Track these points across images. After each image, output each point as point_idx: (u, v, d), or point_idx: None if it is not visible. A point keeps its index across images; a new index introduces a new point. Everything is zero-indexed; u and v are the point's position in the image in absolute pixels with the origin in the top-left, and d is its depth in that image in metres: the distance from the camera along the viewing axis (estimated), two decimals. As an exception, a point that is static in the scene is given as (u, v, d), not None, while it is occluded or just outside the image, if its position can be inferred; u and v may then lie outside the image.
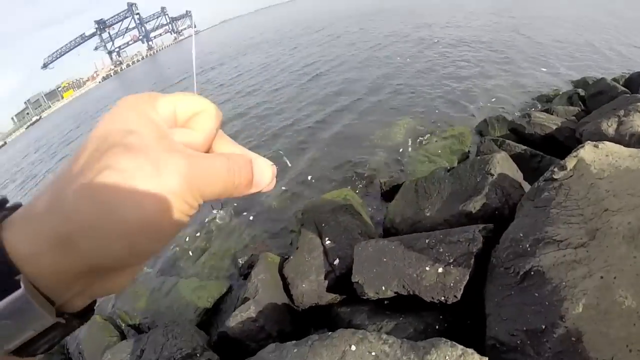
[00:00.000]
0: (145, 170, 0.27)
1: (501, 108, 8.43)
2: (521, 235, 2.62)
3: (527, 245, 2.46)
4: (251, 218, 6.15)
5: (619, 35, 16.12)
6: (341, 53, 18.03)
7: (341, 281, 3.61)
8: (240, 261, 5.09)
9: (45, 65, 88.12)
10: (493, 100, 9.03)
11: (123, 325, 4.50)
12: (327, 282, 3.66)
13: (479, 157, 4.44)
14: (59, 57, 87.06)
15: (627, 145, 3.22)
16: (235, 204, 6.56)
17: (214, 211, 6.44)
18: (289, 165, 7.43)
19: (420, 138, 7.40)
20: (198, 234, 6.14)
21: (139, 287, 4.99)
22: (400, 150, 7.14)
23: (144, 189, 0.26)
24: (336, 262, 3.73)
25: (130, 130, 0.28)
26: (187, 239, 6.07)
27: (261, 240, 5.55)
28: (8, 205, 0.28)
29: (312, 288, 3.65)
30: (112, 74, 72.05)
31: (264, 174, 0.36)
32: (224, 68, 23.43)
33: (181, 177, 0.28)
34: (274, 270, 4.01)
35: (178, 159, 0.29)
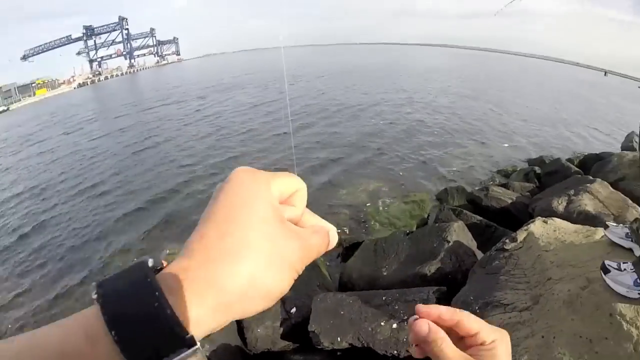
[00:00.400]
0: (280, 254, 0.36)
1: (462, 179, 8.93)
2: (471, 298, 2.78)
3: (477, 308, 2.62)
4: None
5: (582, 118, 17.89)
6: (323, 108, 18.40)
7: (296, 329, 3.60)
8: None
9: (25, 57, 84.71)
10: (455, 170, 9.58)
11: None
12: (282, 329, 3.64)
13: (437, 224, 4.73)
14: (41, 52, 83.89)
15: (574, 222, 3.52)
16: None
17: (170, 246, 6.34)
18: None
19: (383, 200, 7.65)
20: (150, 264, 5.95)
21: (84, 305, 4.73)
22: (364, 209, 7.33)
23: (281, 268, 0.36)
24: (293, 310, 3.75)
25: (263, 219, 0.36)
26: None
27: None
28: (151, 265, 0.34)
29: (266, 333, 3.61)
30: (88, 83, 69.73)
31: (333, 242, 0.44)
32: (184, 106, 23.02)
33: (300, 259, 0.38)
34: (229, 311, 3.95)
35: (297, 243, 0.38)
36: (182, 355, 0.29)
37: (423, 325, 0.49)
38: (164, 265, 0.35)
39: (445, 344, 0.48)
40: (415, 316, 0.51)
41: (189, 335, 0.30)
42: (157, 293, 0.30)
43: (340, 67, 44.82)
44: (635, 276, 2.19)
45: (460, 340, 0.51)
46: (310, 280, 4.13)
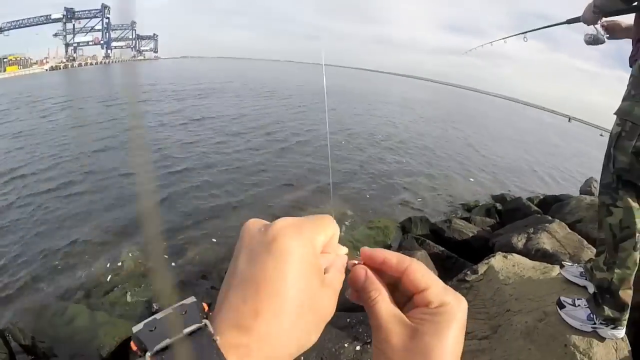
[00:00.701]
0: (323, 317, 0.38)
1: (426, 209, 9.13)
2: (433, 326, 2.88)
3: (439, 335, 2.71)
4: (172, 264, 5.89)
5: (544, 160, 18.97)
6: (299, 129, 17.72)
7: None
8: (155, 306, 4.77)
9: (1, 30, 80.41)
10: (420, 200, 9.80)
11: (14, 342, 3.93)
12: (247, 347, 3.62)
13: (400, 252, 4.80)
14: (19, 27, 79.84)
15: (532, 258, 3.72)
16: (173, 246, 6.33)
17: (133, 248, 6.16)
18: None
19: (348, 223, 7.66)
20: (119, 264, 5.74)
21: (39, 306, 4.50)
22: None
23: (322, 327, 0.39)
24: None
25: (311, 288, 0.37)
26: (102, 267, 5.65)
27: (180, 289, 5.33)
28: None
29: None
30: (61, 67, 66.67)
31: (346, 265, 0.45)
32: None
33: (333, 310, 0.40)
34: (189, 324, 3.86)
35: (334, 299, 0.40)
36: None
37: (360, 272, 0.44)
38: (206, 308, 0.36)
39: (381, 298, 0.42)
40: (354, 261, 0.46)
41: None
42: None
43: (320, 87, 44.94)
44: (589, 311, 2.37)
45: (410, 300, 0.43)
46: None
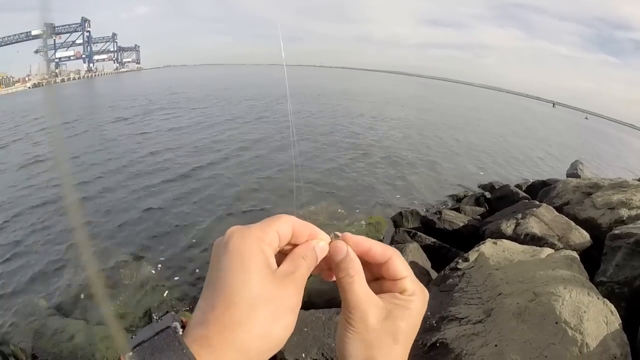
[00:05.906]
0: (282, 305, 0.40)
1: (416, 202, 9.25)
2: (428, 313, 2.95)
3: (434, 322, 2.79)
4: (171, 273, 5.90)
5: (530, 146, 19.25)
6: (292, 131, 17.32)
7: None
8: (155, 316, 4.80)
9: None
10: (410, 194, 9.89)
11: (15, 361, 3.93)
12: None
13: (393, 246, 4.90)
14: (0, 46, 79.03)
15: (521, 242, 3.85)
16: (156, 256, 6.34)
17: (132, 260, 6.15)
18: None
19: (341, 221, 7.71)
20: (115, 277, 5.72)
21: (39, 325, 4.49)
22: (322, 230, 7.22)
23: (285, 315, 0.40)
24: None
25: (260, 280, 0.39)
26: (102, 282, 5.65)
27: (179, 297, 5.34)
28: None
29: (230, 350, 3.60)
30: (44, 83, 65.81)
31: (321, 252, 0.46)
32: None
33: (296, 296, 0.41)
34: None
35: (292, 286, 0.41)
36: None
37: (341, 248, 0.45)
38: (184, 321, 0.40)
39: (358, 278, 0.44)
40: (337, 233, 0.48)
41: None
42: None
43: (309, 90, 44.69)
44: None
45: (376, 280, 0.47)
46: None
